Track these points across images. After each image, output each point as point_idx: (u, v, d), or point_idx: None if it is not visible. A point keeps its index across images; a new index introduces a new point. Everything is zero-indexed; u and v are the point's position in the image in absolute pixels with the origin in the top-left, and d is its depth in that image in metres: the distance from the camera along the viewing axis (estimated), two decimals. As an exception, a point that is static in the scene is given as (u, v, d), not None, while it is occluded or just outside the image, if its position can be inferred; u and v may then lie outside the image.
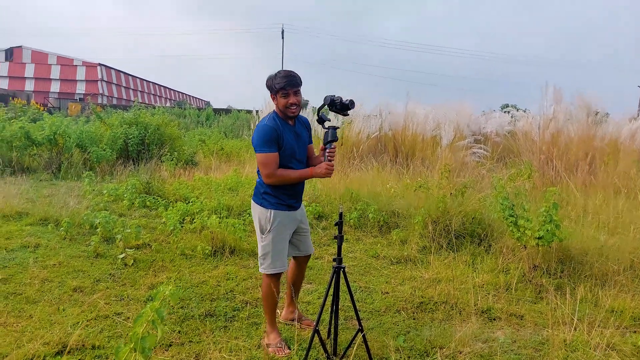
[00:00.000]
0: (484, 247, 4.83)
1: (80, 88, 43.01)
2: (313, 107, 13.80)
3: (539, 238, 3.98)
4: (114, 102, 42.60)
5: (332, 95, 2.61)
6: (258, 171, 2.70)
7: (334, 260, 2.65)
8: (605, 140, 8.64)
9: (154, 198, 6.03)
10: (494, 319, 3.32)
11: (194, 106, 34.84)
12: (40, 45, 47.53)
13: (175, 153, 8.92)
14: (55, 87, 43.17)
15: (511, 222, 4.23)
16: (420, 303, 3.52)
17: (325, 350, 2.59)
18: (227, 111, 26.22)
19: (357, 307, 2.79)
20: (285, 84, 2.52)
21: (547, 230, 3.91)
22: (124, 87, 49.07)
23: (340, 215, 2.61)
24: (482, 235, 5.00)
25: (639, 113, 11.67)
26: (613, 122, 9.02)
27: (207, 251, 4.26)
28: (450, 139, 9.16)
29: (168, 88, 62.93)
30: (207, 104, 60.96)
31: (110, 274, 3.75)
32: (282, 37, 41.16)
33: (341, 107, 2.60)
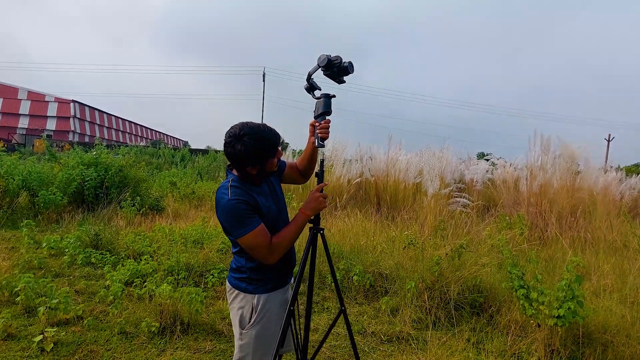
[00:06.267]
0: (485, 319, 4.13)
1: (51, 125, 41.70)
2: (293, 149, 13.35)
3: (558, 317, 3.31)
4: (87, 139, 41.39)
5: (328, 55, 1.99)
6: (232, 247, 2.06)
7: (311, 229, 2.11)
8: (587, 192, 8.31)
9: (101, 253, 5.15)
10: None
11: (170, 145, 34.08)
12: (10, 80, 46.49)
13: (138, 198, 8.07)
14: (23, 122, 41.73)
15: (522, 294, 3.56)
16: (422, 408, 2.75)
17: None
18: (205, 152, 25.46)
19: None
20: (277, 139, 1.95)
21: (569, 309, 3.24)
22: (98, 124, 47.97)
23: (322, 163, 2.14)
24: (483, 305, 4.31)
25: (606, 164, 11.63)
26: (587, 173, 8.75)
27: (153, 329, 3.42)
28: (437, 188, 8.65)
29: (145, 127, 62.10)
30: (185, 143, 60.29)
31: (17, 367, 2.86)
32: (263, 80, 41.15)
33: (339, 70, 2.00)
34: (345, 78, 2.08)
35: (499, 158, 13.43)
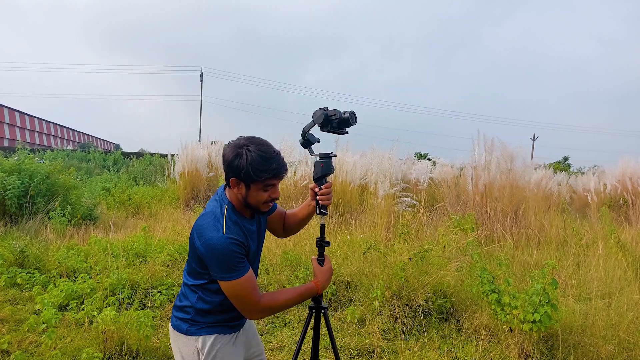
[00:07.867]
0: (454, 324, 4.03)
1: (-39, 127, 37.86)
2: None
3: (534, 322, 3.24)
4: (6, 143, 37.99)
5: (323, 109, 1.74)
6: (186, 274, 1.69)
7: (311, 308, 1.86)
8: (526, 190, 8.62)
9: (29, 272, 4.52)
10: None
11: (100, 149, 32.14)
12: None
13: (69, 207, 7.32)
14: None
15: (495, 299, 3.48)
16: None
17: None
18: (139, 155, 24.13)
19: None
20: (276, 172, 1.60)
21: (545, 313, 3.19)
22: (19, 127, 44.23)
23: (322, 229, 1.86)
24: (449, 310, 4.21)
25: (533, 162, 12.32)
26: (525, 172, 9.09)
27: (96, 360, 2.96)
28: (387, 189, 8.62)
29: (72, 129, 58.19)
30: (117, 146, 57.19)
31: None
32: (201, 80, 39.88)
33: (339, 124, 1.75)
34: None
35: (438, 158, 13.74)
